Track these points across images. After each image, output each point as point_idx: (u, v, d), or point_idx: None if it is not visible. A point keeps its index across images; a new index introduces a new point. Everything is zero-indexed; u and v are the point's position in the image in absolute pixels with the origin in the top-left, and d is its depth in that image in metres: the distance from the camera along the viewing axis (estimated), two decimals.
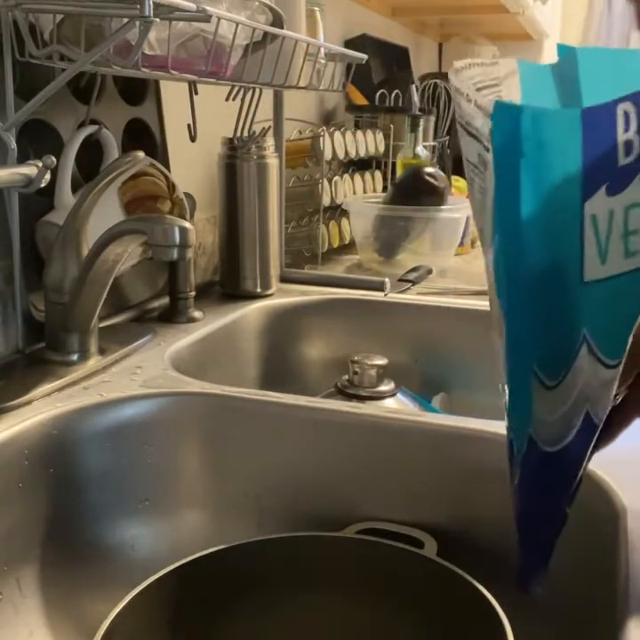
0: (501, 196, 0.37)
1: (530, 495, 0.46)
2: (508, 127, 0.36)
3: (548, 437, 0.43)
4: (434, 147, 1.84)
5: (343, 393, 0.87)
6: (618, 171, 0.35)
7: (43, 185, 0.70)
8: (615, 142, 0.35)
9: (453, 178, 1.80)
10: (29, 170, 0.68)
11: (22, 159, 0.71)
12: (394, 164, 1.64)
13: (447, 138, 1.96)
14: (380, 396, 0.88)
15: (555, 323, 0.39)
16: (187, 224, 0.72)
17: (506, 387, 0.43)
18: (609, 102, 0.35)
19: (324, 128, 1.39)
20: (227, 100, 0.99)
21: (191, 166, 1.13)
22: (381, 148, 1.63)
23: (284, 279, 1.17)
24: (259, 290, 1.10)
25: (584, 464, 0.44)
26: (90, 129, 0.87)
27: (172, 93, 1.03)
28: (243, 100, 1.02)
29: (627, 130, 0.34)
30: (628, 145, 0.35)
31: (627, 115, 0.35)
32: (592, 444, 0.43)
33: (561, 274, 0.37)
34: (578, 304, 0.38)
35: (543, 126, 0.35)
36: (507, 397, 0.43)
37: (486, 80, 0.43)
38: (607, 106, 0.35)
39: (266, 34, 0.82)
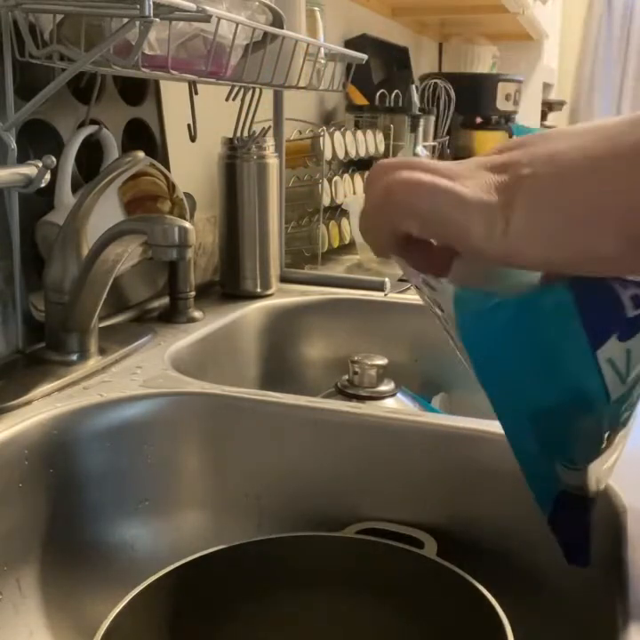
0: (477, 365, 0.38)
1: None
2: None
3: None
4: (434, 147, 1.84)
5: (343, 393, 0.87)
6: (627, 321, 0.35)
7: (43, 185, 0.70)
8: (620, 302, 0.35)
9: None
10: (29, 170, 0.68)
11: (22, 159, 0.71)
12: None
13: (447, 138, 1.96)
14: (380, 396, 0.88)
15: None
16: (187, 224, 0.72)
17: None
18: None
19: (324, 128, 1.39)
20: (227, 99, 0.99)
21: (191, 166, 1.13)
22: (381, 148, 1.63)
23: (283, 279, 1.17)
24: (259, 290, 1.10)
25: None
26: (90, 129, 0.87)
27: (172, 93, 1.03)
28: (243, 100, 1.02)
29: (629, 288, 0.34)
30: (636, 298, 0.35)
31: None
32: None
33: (578, 403, 0.37)
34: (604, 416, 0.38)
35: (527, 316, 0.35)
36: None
37: None
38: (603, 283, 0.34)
39: (266, 34, 0.82)
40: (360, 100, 1.76)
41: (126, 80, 0.93)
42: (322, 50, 1.02)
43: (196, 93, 0.97)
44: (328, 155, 1.39)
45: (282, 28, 0.84)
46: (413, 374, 1.05)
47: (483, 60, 2.47)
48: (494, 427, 0.66)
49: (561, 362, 0.36)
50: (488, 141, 2.18)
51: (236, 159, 1.06)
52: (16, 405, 0.68)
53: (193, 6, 0.64)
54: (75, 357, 0.78)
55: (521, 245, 0.33)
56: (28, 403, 0.70)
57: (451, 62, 2.53)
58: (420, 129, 1.62)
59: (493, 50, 2.50)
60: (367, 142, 1.55)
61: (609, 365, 0.35)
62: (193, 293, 0.99)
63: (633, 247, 0.32)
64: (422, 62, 2.42)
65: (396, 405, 0.88)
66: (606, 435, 0.40)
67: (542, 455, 0.42)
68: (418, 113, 1.65)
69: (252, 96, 1.03)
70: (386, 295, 1.11)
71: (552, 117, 3.34)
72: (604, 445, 0.41)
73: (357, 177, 1.55)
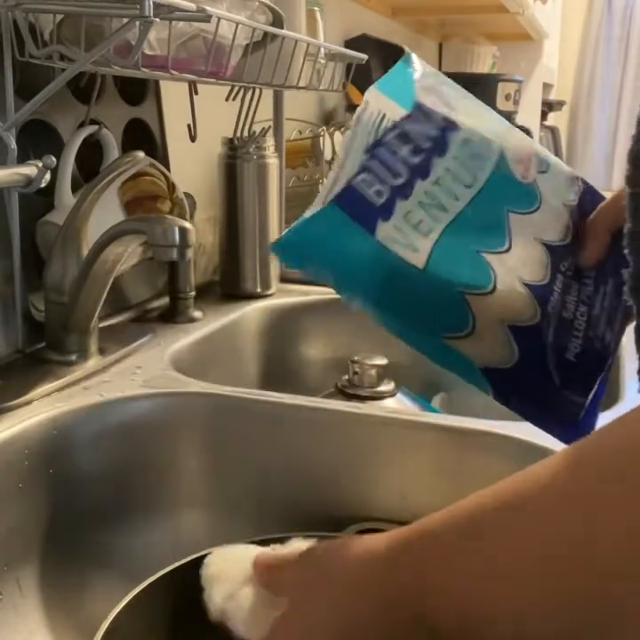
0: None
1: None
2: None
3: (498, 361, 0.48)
4: None
5: (343, 393, 0.87)
6: (381, 208, 0.44)
7: (43, 185, 0.70)
8: (371, 200, 0.44)
9: None
10: (29, 170, 0.68)
11: (22, 159, 0.71)
12: None
13: None
14: (380, 396, 0.88)
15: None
16: (187, 224, 0.72)
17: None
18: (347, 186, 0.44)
19: (324, 128, 1.39)
20: (227, 99, 0.99)
21: (191, 166, 1.13)
22: None
23: (283, 279, 1.17)
24: (259, 290, 1.10)
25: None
26: (90, 129, 0.87)
27: (172, 93, 1.03)
28: (243, 100, 1.02)
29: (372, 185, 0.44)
30: (378, 193, 0.44)
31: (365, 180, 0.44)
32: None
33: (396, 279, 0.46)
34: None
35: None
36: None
37: None
38: (348, 188, 0.44)
39: (266, 34, 0.82)
40: (360, 99, 1.76)
41: (126, 80, 0.93)
42: (322, 50, 1.02)
43: (196, 93, 0.97)
44: (328, 155, 1.39)
45: (282, 28, 0.84)
46: (413, 374, 1.05)
47: (483, 60, 2.47)
48: (494, 427, 0.66)
49: (364, 255, 0.45)
50: None
51: (236, 159, 1.06)
52: (16, 405, 0.68)
53: (193, 6, 0.64)
54: (75, 357, 0.78)
55: None
56: (28, 403, 0.70)
57: (451, 62, 2.52)
58: None
59: (493, 50, 2.50)
60: None
61: (391, 241, 0.44)
62: (193, 293, 0.99)
63: None
64: None
65: (397, 405, 0.88)
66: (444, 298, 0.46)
67: (426, 338, 0.48)
68: None
69: (252, 96, 1.03)
70: None
71: (552, 117, 3.34)
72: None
73: None
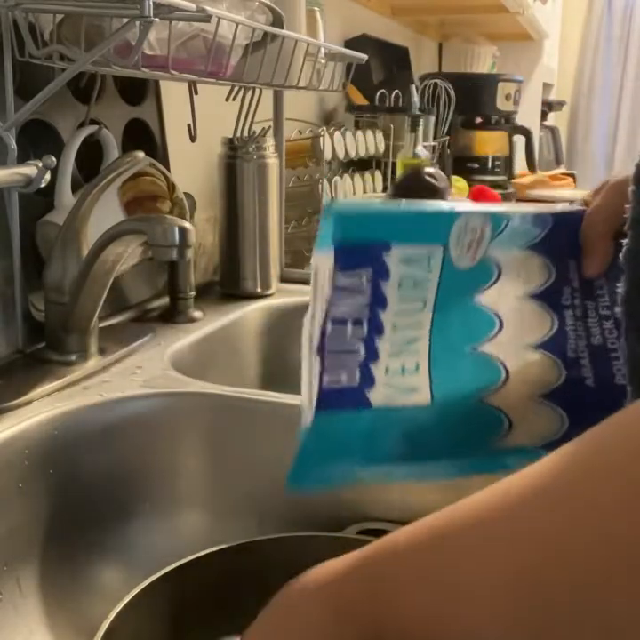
0: None
1: None
2: None
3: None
4: (434, 147, 1.84)
5: None
6: (360, 383, 0.43)
7: (43, 185, 0.70)
8: (348, 384, 0.43)
9: (453, 178, 1.80)
10: (29, 170, 0.68)
11: (22, 159, 0.71)
12: (394, 164, 1.64)
13: (447, 138, 1.96)
14: None
15: None
16: (187, 224, 0.72)
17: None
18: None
19: (324, 128, 1.39)
20: (227, 99, 0.99)
21: (191, 166, 1.13)
22: (381, 148, 1.63)
23: (284, 279, 1.17)
24: (259, 290, 1.10)
25: None
26: (90, 129, 0.87)
27: (172, 93, 1.03)
28: (243, 100, 1.02)
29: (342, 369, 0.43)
30: (350, 373, 0.43)
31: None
32: None
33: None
34: None
35: None
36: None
37: None
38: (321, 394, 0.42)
39: (266, 34, 0.82)
40: (360, 99, 1.76)
41: (126, 80, 0.93)
42: (322, 50, 1.02)
43: (196, 93, 0.97)
44: (328, 155, 1.39)
45: (282, 28, 0.84)
46: None
47: (483, 60, 2.47)
48: None
49: (369, 427, 0.43)
50: (488, 141, 2.18)
51: (235, 159, 1.06)
52: (16, 405, 0.68)
53: (193, 6, 0.64)
54: (74, 357, 0.78)
55: None
56: (28, 403, 0.70)
57: (451, 62, 2.53)
58: (420, 129, 1.62)
59: (493, 50, 2.50)
60: (367, 142, 1.55)
61: (389, 399, 0.43)
62: (193, 293, 0.99)
63: None
64: (422, 62, 2.41)
65: None
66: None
67: (472, 460, 0.46)
68: (418, 113, 1.65)
69: (252, 96, 1.03)
70: None
71: (552, 117, 3.34)
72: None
73: (357, 177, 1.55)
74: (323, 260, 0.41)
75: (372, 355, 0.42)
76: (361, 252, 0.41)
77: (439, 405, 0.43)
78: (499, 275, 0.45)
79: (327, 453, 0.43)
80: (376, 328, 0.42)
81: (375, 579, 0.34)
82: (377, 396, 0.42)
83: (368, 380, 0.42)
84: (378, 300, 0.42)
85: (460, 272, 0.44)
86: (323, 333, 0.43)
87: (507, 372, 0.44)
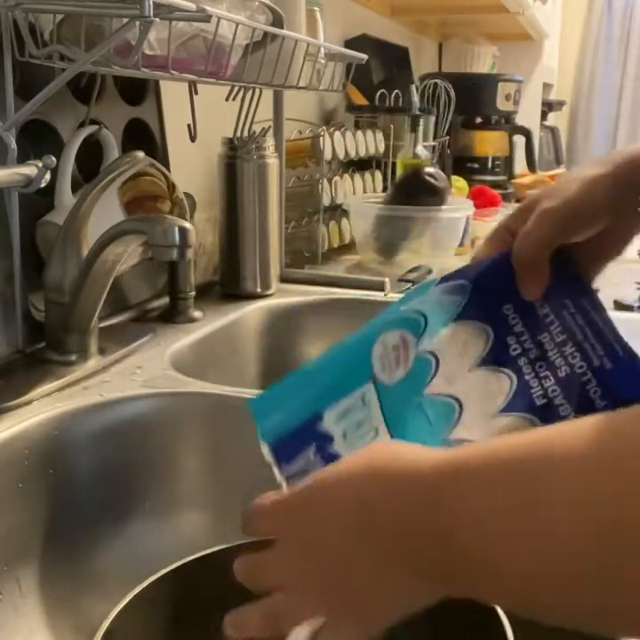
0: None
1: None
2: None
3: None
4: (434, 147, 1.84)
5: None
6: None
7: (43, 185, 0.70)
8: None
9: (453, 178, 1.80)
10: (29, 170, 0.68)
11: (22, 159, 0.71)
12: (394, 164, 1.64)
13: (447, 138, 1.96)
14: None
15: None
16: (187, 224, 0.72)
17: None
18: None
19: (324, 128, 1.39)
20: (227, 99, 0.99)
21: (191, 166, 1.13)
22: (381, 148, 1.63)
23: (284, 279, 1.17)
24: (259, 290, 1.10)
25: None
26: (90, 129, 0.87)
27: (172, 93, 1.03)
28: (243, 99, 1.02)
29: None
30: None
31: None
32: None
33: None
34: None
35: None
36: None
37: None
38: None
39: (266, 34, 0.82)
40: (360, 99, 1.76)
41: (126, 80, 0.93)
42: (322, 50, 1.02)
43: (196, 93, 0.97)
44: (328, 155, 1.39)
45: (282, 28, 0.84)
46: None
47: (483, 60, 2.47)
48: None
49: None
50: (488, 141, 2.18)
51: (235, 159, 1.06)
52: (16, 405, 0.68)
53: (193, 6, 0.64)
54: (74, 357, 0.78)
55: None
56: (28, 403, 0.70)
57: (451, 62, 2.53)
58: (420, 129, 1.62)
59: (493, 50, 2.50)
60: (367, 142, 1.55)
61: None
62: (193, 293, 0.99)
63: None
64: (422, 62, 2.41)
65: None
66: None
67: None
68: (418, 113, 1.65)
69: (252, 96, 1.03)
70: (386, 295, 1.11)
71: (552, 117, 3.34)
72: None
73: (357, 177, 1.55)
74: (266, 453, 0.45)
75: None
76: (296, 438, 0.43)
77: None
78: (437, 363, 0.44)
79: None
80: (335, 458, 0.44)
81: (448, 495, 0.33)
82: None
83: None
84: (330, 457, 0.43)
85: (398, 384, 0.44)
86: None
87: None
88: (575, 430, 0.31)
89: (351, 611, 0.37)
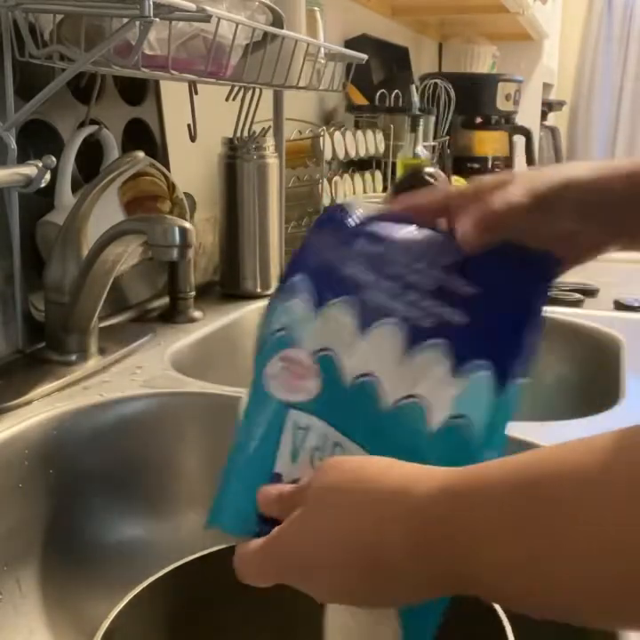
0: None
1: None
2: None
3: None
4: (434, 147, 1.84)
5: None
6: None
7: (43, 185, 0.70)
8: None
9: (453, 178, 1.80)
10: (29, 170, 0.68)
11: (22, 159, 0.71)
12: (394, 164, 1.64)
13: (447, 138, 1.96)
14: None
15: None
16: (187, 224, 0.72)
17: None
18: None
19: (324, 128, 1.39)
20: (227, 100, 0.99)
21: (191, 166, 1.13)
22: (381, 148, 1.63)
23: None
24: (259, 290, 1.10)
25: None
26: (90, 129, 0.87)
27: (172, 93, 1.03)
28: (243, 99, 1.02)
29: None
30: None
31: None
32: None
33: None
34: None
35: None
36: None
37: None
38: None
39: (266, 34, 0.82)
40: (360, 99, 1.76)
41: (126, 80, 0.93)
42: (322, 50, 1.02)
43: (196, 93, 0.97)
44: (328, 155, 1.39)
45: (282, 28, 0.84)
46: None
47: (483, 60, 2.47)
48: None
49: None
50: (488, 141, 2.18)
51: (235, 159, 1.06)
52: (16, 405, 0.68)
53: (193, 6, 0.64)
54: (74, 357, 0.78)
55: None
56: (28, 403, 0.70)
57: (451, 62, 2.53)
58: (420, 129, 1.62)
59: (493, 50, 2.50)
60: (367, 142, 1.55)
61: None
62: (193, 293, 0.99)
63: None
64: (422, 62, 2.42)
65: None
66: None
67: None
68: (418, 113, 1.65)
69: (252, 96, 1.03)
70: None
71: (552, 117, 3.34)
72: None
73: (357, 177, 1.55)
74: None
75: None
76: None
77: None
78: (334, 353, 0.44)
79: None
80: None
81: (460, 518, 0.32)
82: None
83: None
84: None
85: (321, 394, 0.43)
86: None
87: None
88: (584, 452, 0.30)
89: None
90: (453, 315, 0.44)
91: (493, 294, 0.45)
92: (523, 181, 0.47)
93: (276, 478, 0.43)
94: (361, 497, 0.36)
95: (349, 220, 0.47)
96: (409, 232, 0.47)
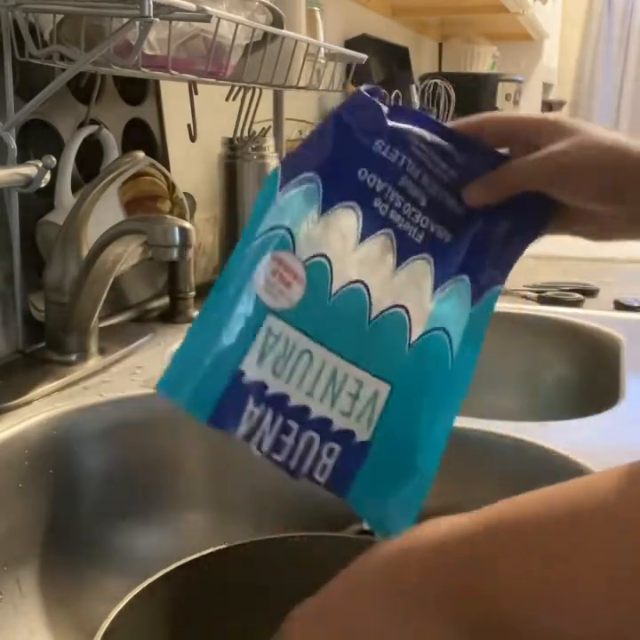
0: None
1: None
2: None
3: None
4: None
5: None
6: None
7: (43, 185, 0.70)
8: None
9: None
10: (29, 170, 0.68)
11: (22, 159, 0.71)
12: None
13: None
14: None
15: None
16: (187, 224, 0.72)
17: None
18: None
19: None
20: (227, 100, 0.99)
21: (191, 166, 1.13)
22: None
23: None
24: None
25: None
26: (90, 129, 0.87)
27: (172, 93, 1.03)
28: (243, 100, 1.02)
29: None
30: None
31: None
32: None
33: None
34: None
35: None
36: None
37: None
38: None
39: (266, 34, 0.82)
40: None
41: (126, 80, 0.93)
42: (322, 50, 1.02)
43: (196, 93, 0.97)
44: None
45: (282, 28, 0.84)
46: None
47: (483, 60, 2.47)
48: (494, 427, 0.66)
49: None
50: None
51: (235, 159, 1.06)
52: (16, 405, 0.68)
53: (193, 6, 0.64)
54: (74, 357, 0.78)
55: None
56: (28, 403, 0.70)
57: (451, 62, 2.53)
58: None
59: (493, 50, 2.50)
60: None
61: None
62: (193, 293, 0.99)
63: None
64: (422, 62, 2.42)
65: None
66: None
67: None
68: None
69: (252, 96, 1.03)
70: None
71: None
72: None
73: None
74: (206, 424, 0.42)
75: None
76: (229, 402, 0.42)
77: None
78: (328, 261, 0.43)
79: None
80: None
81: (483, 566, 0.32)
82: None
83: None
84: (272, 399, 0.42)
85: (304, 300, 0.42)
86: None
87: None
88: (599, 486, 0.31)
89: None
90: (443, 232, 0.46)
91: (485, 221, 0.48)
92: (577, 144, 0.47)
93: (239, 374, 0.42)
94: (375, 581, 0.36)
95: (374, 114, 0.46)
96: (428, 138, 0.47)
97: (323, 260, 0.43)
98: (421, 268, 0.45)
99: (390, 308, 0.44)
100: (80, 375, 0.76)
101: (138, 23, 0.62)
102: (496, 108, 2.16)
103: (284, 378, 0.42)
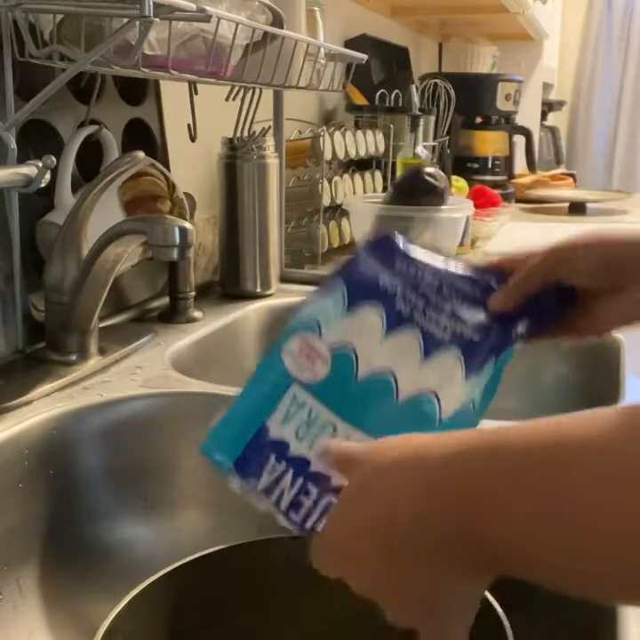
0: None
1: None
2: None
3: None
4: (434, 147, 1.84)
5: None
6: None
7: (43, 185, 0.70)
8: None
9: (453, 178, 1.80)
10: (29, 170, 0.68)
11: (22, 159, 0.71)
12: (394, 164, 1.64)
13: (447, 138, 1.96)
14: None
15: None
16: (187, 224, 0.72)
17: None
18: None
19: (324, 128, 1.39)
20: (227, 100, 0.99)
21: (191, 166, 1.13)
22: (381, 148, 1.63)
23: (284, 279, 1.17)
24: (259, 290, 1.10)
25: None
26: (90, 129, 0.87)
27: (172, 93, 1.03)
28: (243, 100, 1.02)
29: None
30: None
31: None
32: None
33: None
34: None
35: None
36: None
37: None
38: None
39: (266, 34, 0.82)
40: (360, 99, 1.76)
41: (126, 80, 0.93)
42: (322, 50, 1.02)
43: (196, 93, 0.97)
44: (328, 155, 1.39)
45: (282, 28, 0.84)
46: None
47: (483, 60, 2.47)
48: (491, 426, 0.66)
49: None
50: (488, 141, 2.18)
51: (235, 159, 1.06)
52: (16, 405, 0.68)
53: (193, 6, 0.64)
54: (75, 357, 0.78)
55: None
56: (28, 403, 0.70)
57: (451, 62, 2.53)
58: (420, 129, 1.62)
59: (493, 50, 2.50)
60: (367, 142, 1.55)
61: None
62: (193, 293, 0.99)
63: None
64: (422, 62, 2.42)
65: None
66: None
67: None
68: (418, 113, 1.65)
69: (252, 96, 1.03)
70: None
71: (552, 117, 3.34)
72: None
73: (357, 177, 1.55)
74: (235, 484, 0.47)
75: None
76: (252, 454, 0.46)
77: None
78: (354, 350, 0.48)
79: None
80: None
81: (472, 477, 0.33)
82: None
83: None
84: (292, 460, 0.46)
85: (329, 379, 0.47)
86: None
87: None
88: (590, 420, 0.31)
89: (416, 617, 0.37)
90: (467, 330, 0.50)
91: (501, 326, 0.51)
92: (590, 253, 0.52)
93: (263, 429, 0.47)
94: (372, 474, 0.37)
95: (394, 246, 0.55)
96: (444, 263, 0.53)
97: (348, 349, 0.48)
98: (449, 359, 0.48)
99: (419, 391, 0.47)
100: (80, 375, 0.76)
101: (138, 23, 0.62)
102: (496, 108, 2.16)
103: (307, 443, 0.46)
